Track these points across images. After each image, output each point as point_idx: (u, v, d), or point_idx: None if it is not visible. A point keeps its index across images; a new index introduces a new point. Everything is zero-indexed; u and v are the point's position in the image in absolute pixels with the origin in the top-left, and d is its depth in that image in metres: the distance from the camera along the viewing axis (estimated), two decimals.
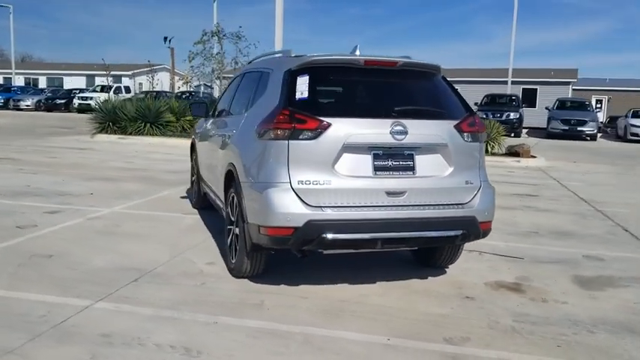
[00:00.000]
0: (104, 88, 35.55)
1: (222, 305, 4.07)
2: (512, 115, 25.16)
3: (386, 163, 4.07)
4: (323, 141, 3.94)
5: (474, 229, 4.26)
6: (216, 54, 17.10)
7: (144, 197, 7.91)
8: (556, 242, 6.38)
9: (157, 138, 15.98)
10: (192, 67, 17.85)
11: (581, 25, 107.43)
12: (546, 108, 28.87)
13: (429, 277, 4.88)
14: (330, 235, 3.90)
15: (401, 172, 4.10)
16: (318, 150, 3.95)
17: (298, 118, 3.94)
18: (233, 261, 4.62)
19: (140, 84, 42.38)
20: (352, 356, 3.37)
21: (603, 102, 48.29)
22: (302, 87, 4.09)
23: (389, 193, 4.05)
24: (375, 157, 4.06)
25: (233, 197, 4.62)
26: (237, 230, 4.52)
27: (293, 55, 4.52)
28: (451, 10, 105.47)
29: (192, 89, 35.35)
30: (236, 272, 4.58)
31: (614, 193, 10.21)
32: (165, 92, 30.90)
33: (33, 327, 3.55)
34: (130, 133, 16.21)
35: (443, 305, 4.25)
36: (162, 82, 44.23)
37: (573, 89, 39.00)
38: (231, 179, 4.75)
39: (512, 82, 30.63)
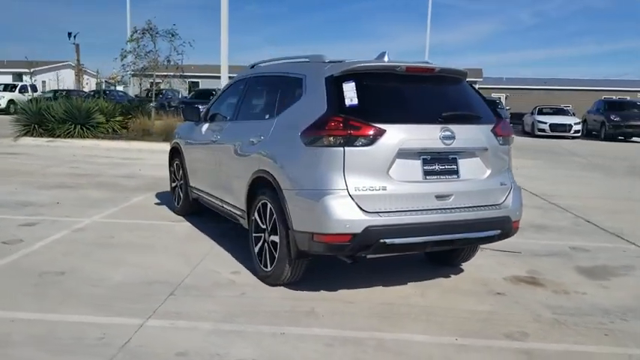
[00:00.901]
0: (7, 87, 33.24)
1: (277, 315, 4.01)
2: None
3: (433, 167, 4.18)
4: (378, 147, 3.98)
5: (508, 228, 4.48)
6: (148, 52, 16.52)
7: (116, 205, 7.54)
8: (538, 235, 6.77)
9: (89, 140, 15.16)
10: (123, 65, 17.12)
11: (473, 27, 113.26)
12: None
13: (452, 276, 5.05)
14: (388, 240, 3.95)
15: (447, 176, 4.22)
16: (374, 156, 3.98)
17: (353, 124, 3.96)
18: (268, 269, 4.55)
19: (43, 82, 39.92)
20: (435, 359, 3.45)
21: (502, 99, 51.24)
22: (350, 93, 4.10)
23: (438, 197, 4.16)
24: (424, 161, 4.16)
25: (266, 205, 4.55)
26: (273, 238, 4.46)
27: (327, 61, 4.51)
28: (350, 7, 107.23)
29: (97, 88, 33.82)
30: (272, 280, 4.51)
31: (555, 187, 10.92)
32: (77, 91, 29.38)
33: (100, 350, 3.35)
34: (59, 136, 15.24)
35: (481, 302, 4.42)
36: (65, 79, 41.95)
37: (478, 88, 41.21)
38: (260, 186, 4.67)
39: None
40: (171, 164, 7.31)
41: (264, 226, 4.64)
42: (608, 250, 6.16)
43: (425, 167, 4.15)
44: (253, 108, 5.43)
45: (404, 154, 4.06)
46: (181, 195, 6.91)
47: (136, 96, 27.95)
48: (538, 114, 28.96)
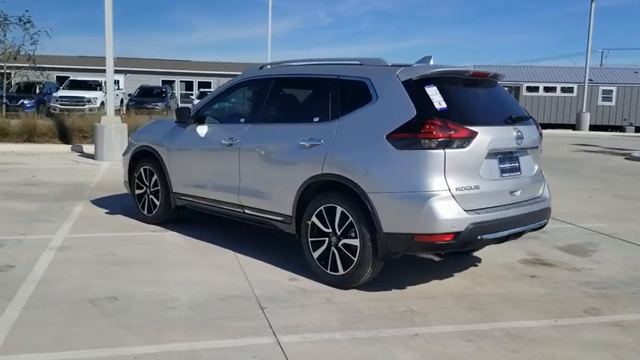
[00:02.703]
0: None
1: (386, 317, 4.06)
2: None
3: (505, 165, 4.52)
4: (472, 148, 4.21)
5: (549, 217, 5.00)
6: None
7: (64, 218, 6.69)
8: None
9: None
10: None
11: (277, 24, 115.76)
12: None
13: (478, 264, 5.44)
14: (484, 236, 4.21)
15: (514, 173, 4.60)
16: (469, 157, 4.21)
17: (451, 127, 4.13)
18: (338, 272, 4.52)
19: None
20: (565, 341, 3.79)
21: None
22: (436, 97, 4.26)
23: (511, 192, 4.52)
24: (499, 160, 4.48)
25: (333, 209, 4.51)
26: (347, 241, 4.44)
27: (390, 65, 4.59)
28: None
29: None
30: (348, 283, 4.50)
31: None
32: None
33: None
34: None
35: (531, 286, 4.88)
36: None
37: None
38: (318, 190, 4.65)
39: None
40: (133, 170, 6.66)
41: (328, 230, 4.59)
42: (561, 231, 7.01)
43: (500, 166, 4.48)
44: (289, 111, 5.27)
45: (490, 154, 4.34)
46: (157, 203, 6.38)
47: None
48: None
